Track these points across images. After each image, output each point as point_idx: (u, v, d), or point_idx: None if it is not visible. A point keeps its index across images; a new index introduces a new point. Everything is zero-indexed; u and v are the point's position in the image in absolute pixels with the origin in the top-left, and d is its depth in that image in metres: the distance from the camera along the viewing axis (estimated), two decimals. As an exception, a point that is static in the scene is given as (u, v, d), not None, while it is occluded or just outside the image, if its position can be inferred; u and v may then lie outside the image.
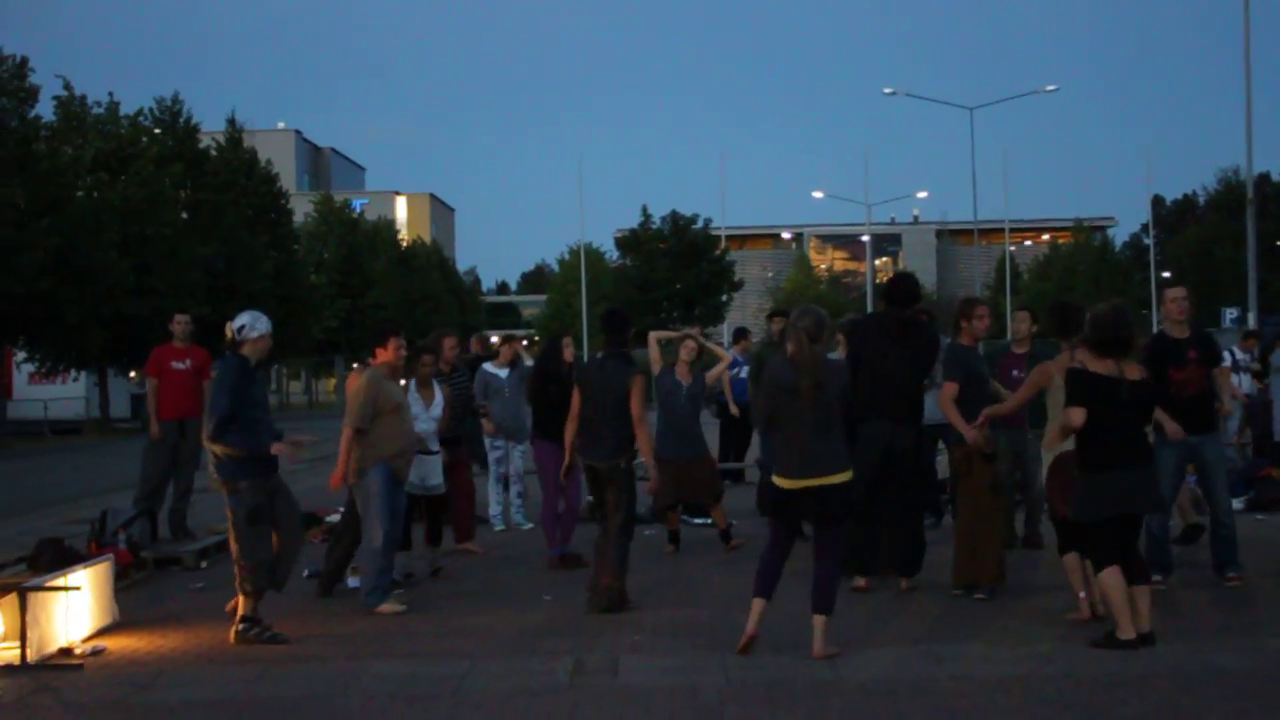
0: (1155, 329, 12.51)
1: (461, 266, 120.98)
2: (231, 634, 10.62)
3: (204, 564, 14.57)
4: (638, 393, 11.55)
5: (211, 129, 68.19)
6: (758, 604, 9.57)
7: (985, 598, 11.30)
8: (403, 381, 12.93)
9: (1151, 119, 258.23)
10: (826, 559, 9.57)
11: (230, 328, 10.86)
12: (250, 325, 10.86)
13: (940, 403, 11.59)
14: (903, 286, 12.54)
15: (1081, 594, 10.50)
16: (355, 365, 11.47)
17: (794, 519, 9.73)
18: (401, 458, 11.79)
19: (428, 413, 13.16)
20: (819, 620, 9.44)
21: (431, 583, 12.94)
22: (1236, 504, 15.98)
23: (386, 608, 11.50)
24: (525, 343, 16.70)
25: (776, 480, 9.59)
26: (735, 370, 17.90)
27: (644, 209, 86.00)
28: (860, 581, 11.86)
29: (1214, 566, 11.92)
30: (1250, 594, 11.44)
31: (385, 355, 11.85)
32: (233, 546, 10.75)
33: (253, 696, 8.87)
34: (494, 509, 17.04)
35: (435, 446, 13.30)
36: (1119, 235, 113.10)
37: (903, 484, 12.05)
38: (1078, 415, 9.59)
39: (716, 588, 12.27)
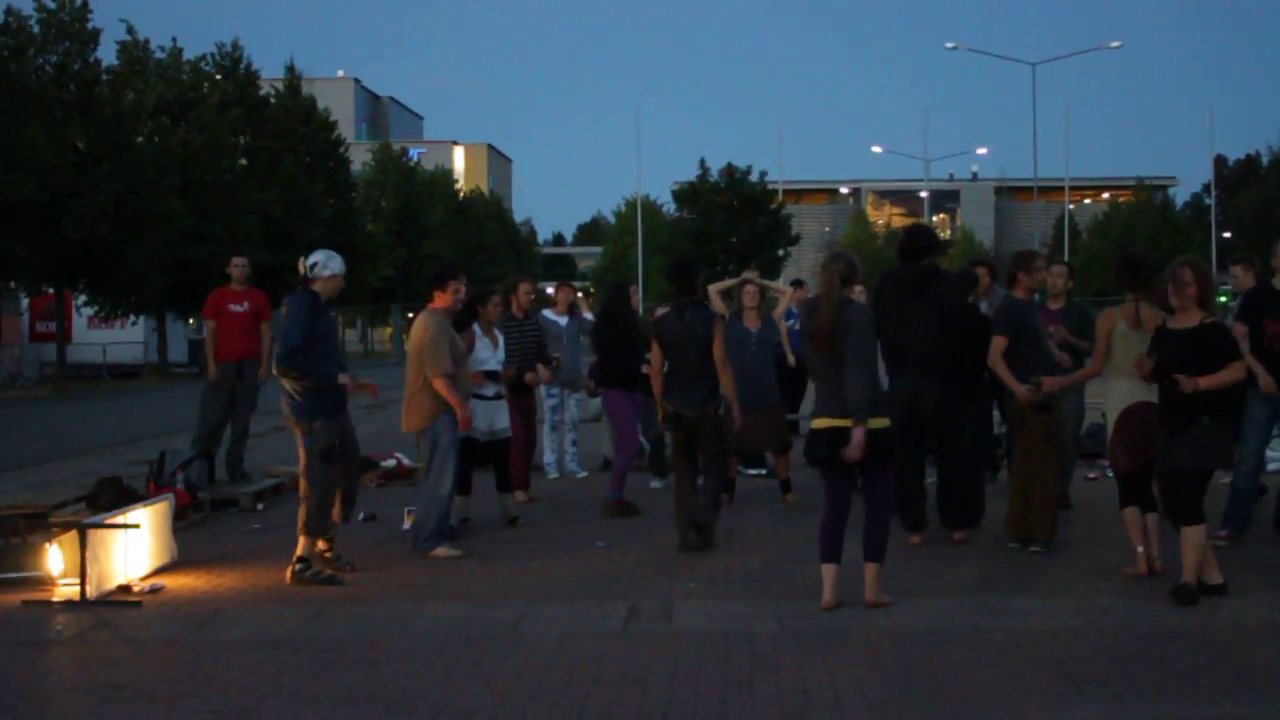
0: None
1: (518, 217, 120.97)
2: (288, 574, 10.71)
3: (260, 506, 14.67)
4: (719, 339, 11.73)
5: (271, 76, 68.41)
6: (827, 570, 9.50)
7: (1042, 550, 11.24)
8: (476, 326, 13.02)
9: (1215, 78, 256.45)
10: (874, 506, 9.54)
11: (303, 264, 10.98)
12: (323, 264, 10.97)
13: (990, 358, 11.41)
14: (917, 239, 12.39)
15: (1140, 549, 10.44)
16: (411, 315, 11.45)
17: (831, 463, 9.48)
18: (466, 403, 11.83)
19: (494, 355, 13.20)
20: (870, 568, 9.42)
21: (487, 529, 12.95)
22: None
23: (442, 551, 11.55)
24: (580, 294, 16.63)
25: (812, 422, 9.58)
26: (791, 321, 17.84)
27: (701, 162, 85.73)
28: (914, 538, 11.82)
29: (1275, 522, 11.86)
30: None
31: (444, 299, 11.85)
32: (302, 485, 10.84)
33: (308, 636, 8.92)
34: (549, 457, 17.06)
35: (502, 390, 13.34)
36: (1180, 195, 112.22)
37: (941, 437, 12.00)
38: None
39: (771, 537, 12.26)
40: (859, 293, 12.69)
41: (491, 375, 13.14)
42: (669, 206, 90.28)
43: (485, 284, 16.60)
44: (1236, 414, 10.19)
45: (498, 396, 13.23)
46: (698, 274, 12.15)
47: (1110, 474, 12.19)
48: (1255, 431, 11.63)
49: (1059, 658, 8.11)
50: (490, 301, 13.39)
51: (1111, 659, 8.09)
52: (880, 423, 9.32)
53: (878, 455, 9.38)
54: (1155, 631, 8.75)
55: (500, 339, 13.45)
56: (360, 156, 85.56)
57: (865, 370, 9.28)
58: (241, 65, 62.73)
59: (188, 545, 11.88)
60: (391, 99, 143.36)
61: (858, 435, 9.16)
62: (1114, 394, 10.65)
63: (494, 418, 13.16)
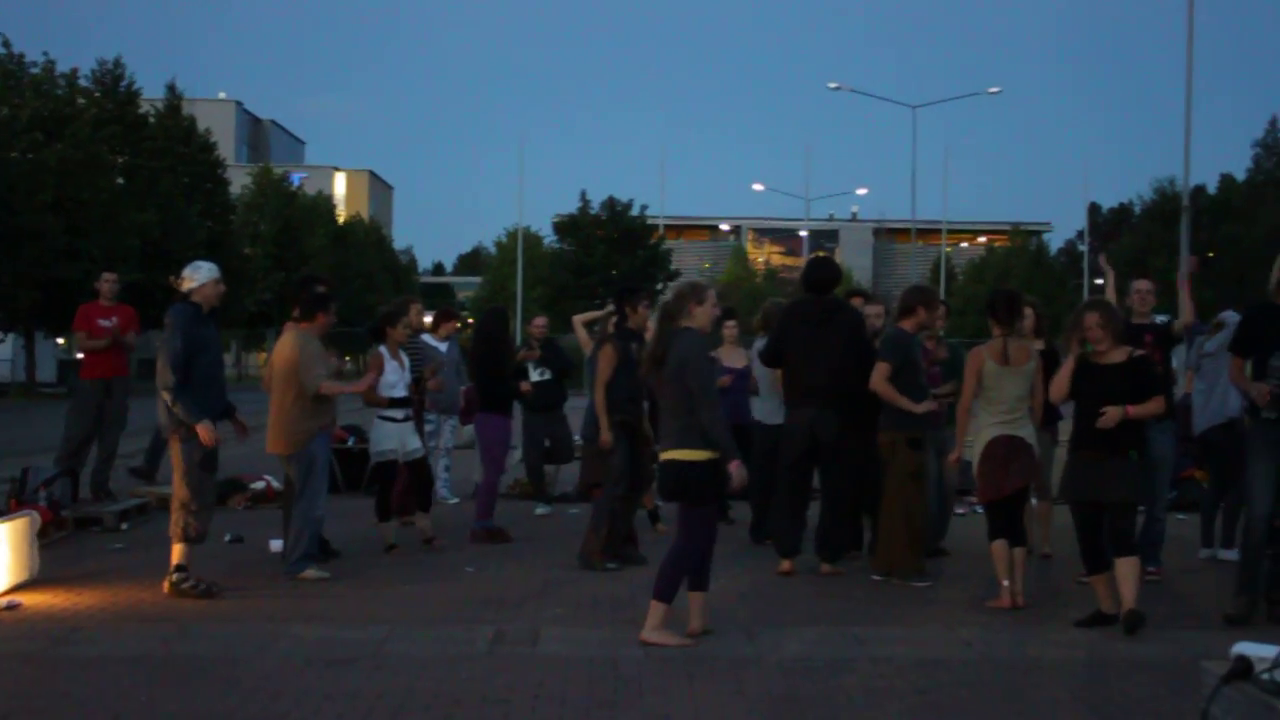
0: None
1: (399, 245, 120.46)
2: (165, 584, 10.63)
3: (125, 525, 14.45)
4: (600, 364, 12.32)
5: (152, 95, 67.64)
6: (693, 599, 9.47)
7: (907, 583, 11.34)
8: (382, 348, 12.96)
9: (1091, 127, 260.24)
10: (679, 541, 9.42)
11: (175, 281, 10.94)
12: (189, 275, 10.92)
13: (873, 382, 11.49)
14: (823, 271, 12.53)
15: (1005, 582, 10.56)
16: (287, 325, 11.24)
17: (681, 498, 9.37)
18: (334, 424, 11.78)
19: (403, 378, 13.11)
20: (655, 606, 9.25)
21: (359, 553, 12.83)
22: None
23: (311, 573, 11.44)
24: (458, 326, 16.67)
25: (660, 454, 9.58)
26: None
27: (583, 194, 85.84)
28: (785, 564, 11.90)
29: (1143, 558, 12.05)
30: (1169, 589, 11.54)
31: (323, 320, 11.82)
32: (181, 492, 10.76)
33: (169, 654, 8.79)
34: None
35: (411, 413, 13.33)
36: (1054, 241, 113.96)
37: (828, 469, 12.09)
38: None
39: (639, 566, 12.25)
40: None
41: (401, 401, 13.05)
42: (550, 238, 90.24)
43: (364, 311, 16.45)
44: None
45: (407, 419, 13.15)
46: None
47: (978, 509, 12.32)
48: (1166, 469, 12.06)
49: (921, 687, 8.17)
50: (400, 324, 13.33)
51: (973, 689, 8.17)
52: (697, 455, 9.18)
53: (689, 489, 9.25)
54: (1016, 663, 8.85)
55: (407, 361, 13.36)
56: (240, 179, 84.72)
57: (714, 403, 9.14)
58: (122, 83, 61.98)
59: (49, 563, 11.66)
60: (273, 122, 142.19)
61: (734, 470, 9.12)
62: (979, 429, 10.82)
63: (406, 439, 13.09)
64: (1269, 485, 10.02)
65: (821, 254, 12.96)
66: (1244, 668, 3.56)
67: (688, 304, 9.38)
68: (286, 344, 11.68)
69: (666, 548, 9.56)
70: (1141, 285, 12.28)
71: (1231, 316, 13.20)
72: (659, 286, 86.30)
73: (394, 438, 12.97)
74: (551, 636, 9.43)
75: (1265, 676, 3.48)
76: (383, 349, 13.14)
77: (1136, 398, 9.81)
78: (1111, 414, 9.69)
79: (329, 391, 11.47)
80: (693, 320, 9.37)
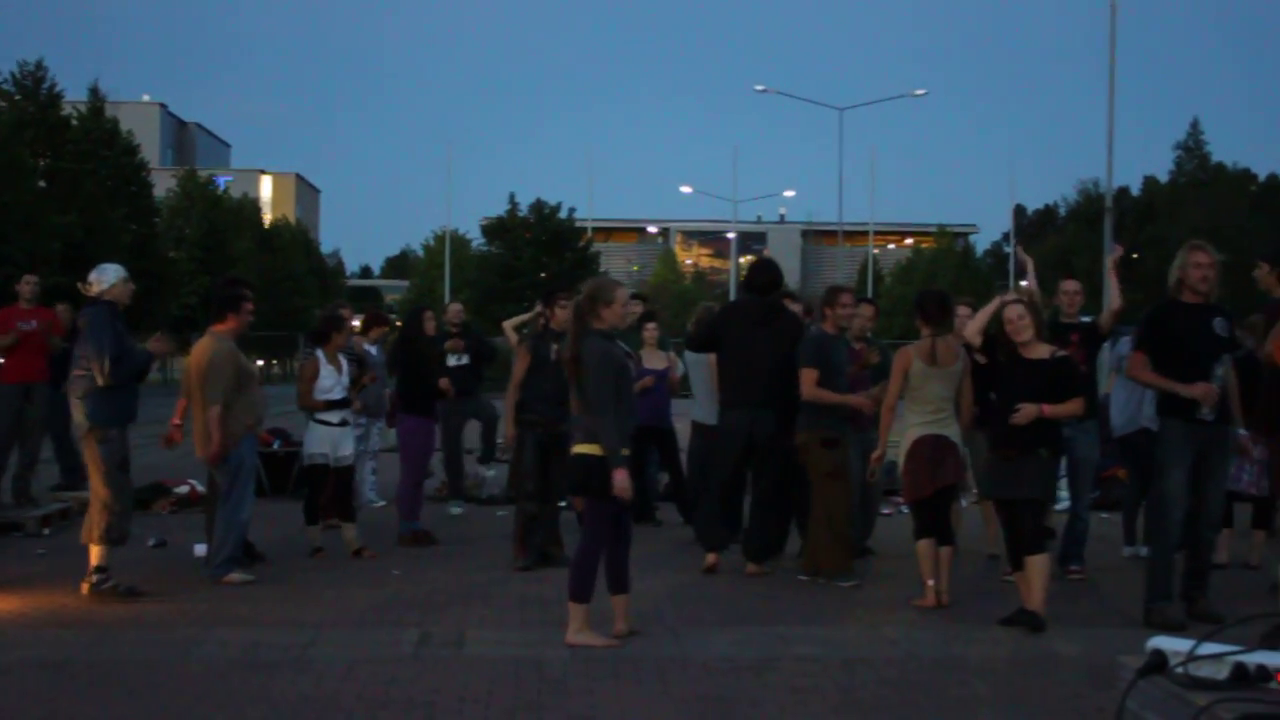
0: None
1: (326, 248, 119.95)
2: (84, 586, 10.57)
3: (46, 531, 14.30)
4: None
5: (74, 98, 67.05)
6: (616, 601, 9.47)
7: (854, 585, 11.37)
8: (320, 353, 12.89)
9: (1016, 130, 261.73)
10: (582, 538, 9.45)
11: (84, 287, 10.89)
12: (96, 279, 10.91)
13: (806, 390, 11.52)
14: (766, 273, 12.60)
15: (930, 581, 10.63)
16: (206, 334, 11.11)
17: (588, 492, 9.36)
18: (260, 425, 11.72)
19: (339, 382, 13.02)
20: (573, 608, 9.25)
21: (284, 557, 12.75)
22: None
23: (235, 577, 11.36)
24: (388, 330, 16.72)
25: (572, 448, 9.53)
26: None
27: (511, 197, 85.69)
28: (709, 559, 11.96)
29: (1059, 559, 12.11)
30: (1091, 587, 11.63)
31: (235, 322, 11.72)
32: (102, 493, 10.73)
33: (89, 660, 8.71)
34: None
35: (349, 418, 13.24)
36: (980, 242, 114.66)
37: (760, 470, 12.13)
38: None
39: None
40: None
41: (338, 403, 12.98)
42: (478, 241, 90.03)
43: (291, 315, 16.32)
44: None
45: (343, 423, 13.07)
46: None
47: (905, 509, 12.38)
48: (1090, 469, 12.23)
49: (845, 686, 8.20)
50: (343, 330, 13.26)
51: (896, 687, 8.21)
52: (590, 449, 9.17)
53: (592, 484, 9.22)
54: (940, 661, 8.91)
55: (345, 365, 13.26)
56: (165, 183, 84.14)
57: (605, 408, 9.09)
58: (44, 86, 61.40)
59: (-32, 569, 11.55)
60: (198, 125, 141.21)
61: (619, 478, 9.06)
62: (906, 428, 10.89)
63: (339, 444, 13.02)
64: (1183, 489, 10.08)
65: (766, 255, 13.01)
66: (1159, 662, 3.59)
67: (598, 305, 9.35)
68: (201, 349, 11.58)
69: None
70: (1069, 286, 12.44)
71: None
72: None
73: (326, 441, 12.90)
74: (477, 638, 9.41)
75: (1179, 670, 3.51)
76: (320, 353, 13.07)
77: (1056, 397, 9.85)
78: (1026, 411, 9.73)
79: (211, 420, 11.31)
80: (602, 321, 9.33)
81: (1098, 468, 16.76)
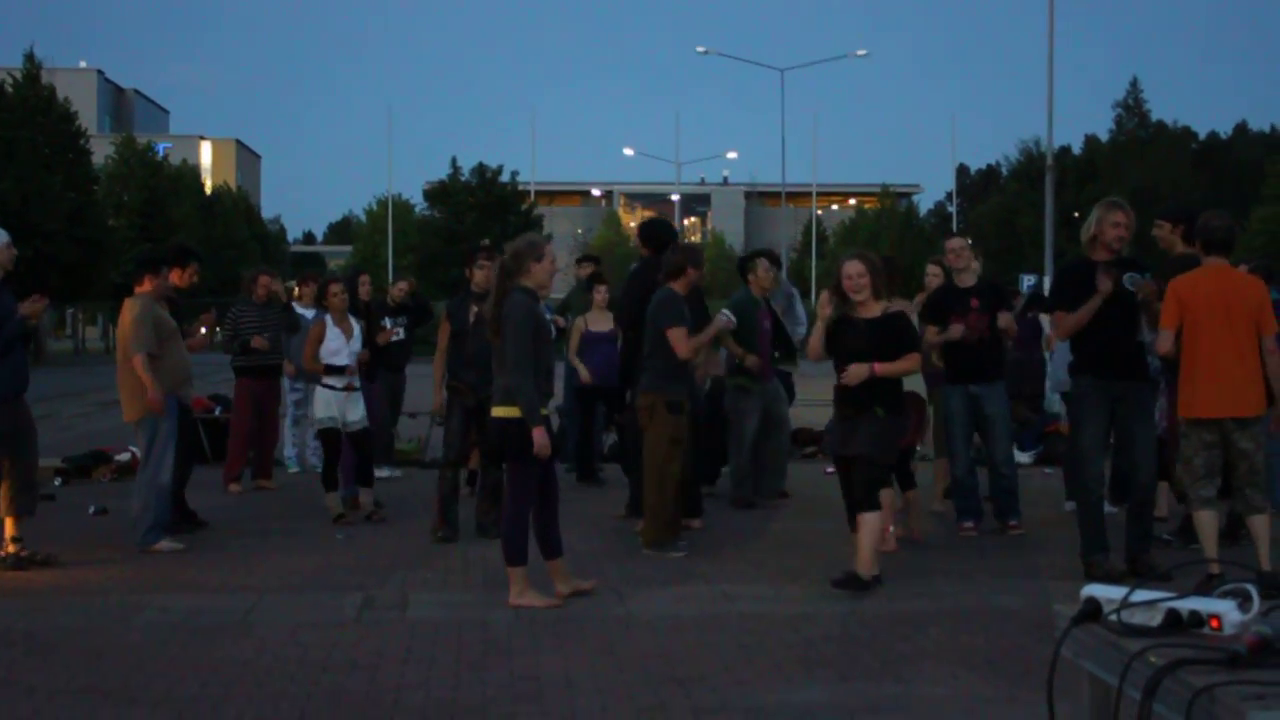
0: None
1: (267, 214, 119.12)
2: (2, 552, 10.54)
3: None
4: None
5: (9, 65, 66.31)
6: (551, 566, 9.45)
7: (681, 555, 11.02)
8: (327, 316, 12.84)
9: (957, 90, 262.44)
10: (507, 501, 9.34)
11: None
12: None
13: (681, 353, 11.27)
14: (660, 229, 12.60)
15: (890, 528, 10.80)
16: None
17: (505, 455, 9.32)
18: (186, 385, 11.60)
19: (348, 346, 12.92)
20: (511, 572, 9.22)
21: (226, 523, 12.68)
22: (1026, 458, 16.38)
23: (164, 545, 11.26)
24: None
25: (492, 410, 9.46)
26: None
27: (453, 161, 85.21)
28: (695, 522, 11.99)
29: (995, 515, 12.18)
30: (1033, 541, 11.68)
31: (152, 284, 11.57)
32: (9, 466, 10.55)
33: (26, 629, 8.64)
34: (290, 450, 16.85)
35: (357, 382, 13.08)
36: (924, 202, 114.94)
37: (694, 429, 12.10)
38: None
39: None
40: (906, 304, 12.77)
41: (339, 369, 12.89)
42: (420, 205, 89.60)
43: (234, 282, 16.17)
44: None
45: (348, 389, 12.94)
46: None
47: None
48: (957, 423, 12.06)
49: (789, 641, 8.23)
50: (330, 291, 13.17)
51: (839, 643, 8.24)
52: (508, 411, 9.11)
53: (510, 447, 9.17)
54: (883, 616, 8.93)
55: (356, 329, 13.13)
56: (103, 150, 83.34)
57: (523, 367, 9.02)
58: (-22, 53, 60.82)
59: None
60: (136, 92, 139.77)
61: (539, 438, 9.01)
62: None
63: (345, 409, 12.91)
64: (1100, 446, 10.13)
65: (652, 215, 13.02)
66: (1093, 609, 3.60)
67: (527, 261, 9.24)
68: (125, 311, 11.46)
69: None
70: (953, 244, 12.40)
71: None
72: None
73: (332, 406, 12.82)
74: (420, 601, 9.40)
75: (1113, 618, 3.52)
76: (327, 316, 13.02)
77: (889, 355, 9.65)
78: (854, 370, 9.62)
79: (136, 368, 11.18)
80: (531, 278, 9.24)
81: (1040, 424, 16.97)
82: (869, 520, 9.54)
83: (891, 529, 10.74)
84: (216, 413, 17.82)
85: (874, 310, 9.81)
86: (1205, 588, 3.79)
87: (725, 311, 12.02)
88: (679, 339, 11.08)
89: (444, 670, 7.57)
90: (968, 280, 12.07)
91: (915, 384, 11.29)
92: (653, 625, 8.66)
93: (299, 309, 16.35)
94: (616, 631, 8.50)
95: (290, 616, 8.90)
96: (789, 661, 7.78)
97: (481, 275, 12.23)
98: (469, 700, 7.01)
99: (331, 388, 12.87)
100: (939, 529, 12.30)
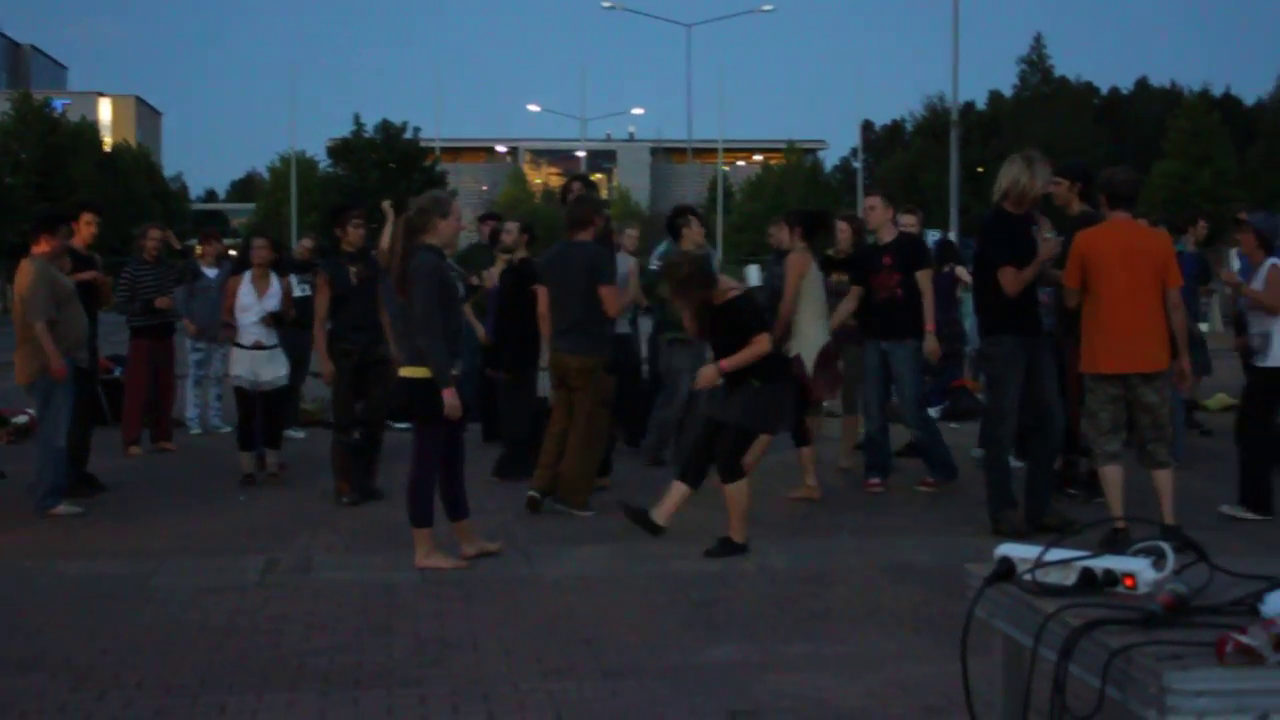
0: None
1: (168, 172, 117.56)
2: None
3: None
4: None
5: (-100, 20, 65.14)
6: (458, 527, 9.35)
7: (590, 514, 10.94)
8: (247, 272, 12.71)
9: (863, 45, 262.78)
10: (413, 460, 9.20)
11: None
12: None
13: (614, 311, 11.25)
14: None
15: (811, 481, 11.29)
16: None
17: (413, 416, 9.32)
18: (81, 349, 11.36)
19: (260, 304, 12.68)
20: (416, 534, 9.11)
21: (125, 485, 12.47)
22: (933, 413, 16.40)
23: (61, 509, 11.03)
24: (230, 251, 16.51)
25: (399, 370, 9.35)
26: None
27: (356, 118, 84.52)
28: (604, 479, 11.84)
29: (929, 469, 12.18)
30: (942, 496, 11.70)
31: (48, 245, 11.29)
32: None
33: (-77, 595, 8.47)
34: (191, 411, 16.62)
35: (268, 341, 12.79)
36: (829, 158, 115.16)
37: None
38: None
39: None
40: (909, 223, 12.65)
41: (259, 323, 12.67)
42: (324, 162, 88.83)
43: (134, 240, 15.80)
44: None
45: (257, 346, 12.68)
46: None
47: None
48: (870, 379, 12.04)
49: (698, 600, 8.19)
50: (255, 245, 12.98)
51: (748, 601, 8.22)
52: (418, 372, 8.98)
53: (416, 408, 9.09)
54: (792, 573, 8.92)
55: (274, 285, 12.89)
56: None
57: (432, 326, 8.87)
58: None
59: None
60: (33, 47, 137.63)
61: (449, 398, 8.90)
62: (807, 337, 11.25)
63: (259, 368, 12.69)
64: (1015, 405, 10.14)
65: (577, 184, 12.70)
66: (1006, 569, 3.55)
67: (433, 219, 9.10)
68: (19, 273, 11.19)
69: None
70: (867, 201, 12.42)
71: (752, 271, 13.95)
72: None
73: (242, 364, 12.64)
74: (325, 564, 9.30)
75: (1027, 577, 3.48)
76: (247, 273, 12.87)
77: (736, 339, 9.50)
78: (704, 375, 9.59)
79: (40, 335, 10.93)
80: (437, 235, 9.10)
81: (944, 379, 17.00)
82: (733, 490, 9.44)
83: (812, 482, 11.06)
84: (116, 373, 17.52)
85: (720, 298, 9.61)
86: (1111, 543, 3.75)
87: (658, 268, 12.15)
88: (611, 296, 10.98)
89: (349, 634, 7.48)
90: (886, 237, 12.07)
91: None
92: (560, 586, 8.60)
93: (202, 268, 16.11)
94: (524, 592, 8.44)
95: (192, 580, 8.77)
96: (698, 621, 7.74)
97: (356, 234, 12.04)
98: (374, 664, 6.92)
99: (240, 346, 12.67)
100: (846, 485, 12.30)
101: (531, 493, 10.96)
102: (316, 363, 15.28)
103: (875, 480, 11.97)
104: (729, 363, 9.42)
